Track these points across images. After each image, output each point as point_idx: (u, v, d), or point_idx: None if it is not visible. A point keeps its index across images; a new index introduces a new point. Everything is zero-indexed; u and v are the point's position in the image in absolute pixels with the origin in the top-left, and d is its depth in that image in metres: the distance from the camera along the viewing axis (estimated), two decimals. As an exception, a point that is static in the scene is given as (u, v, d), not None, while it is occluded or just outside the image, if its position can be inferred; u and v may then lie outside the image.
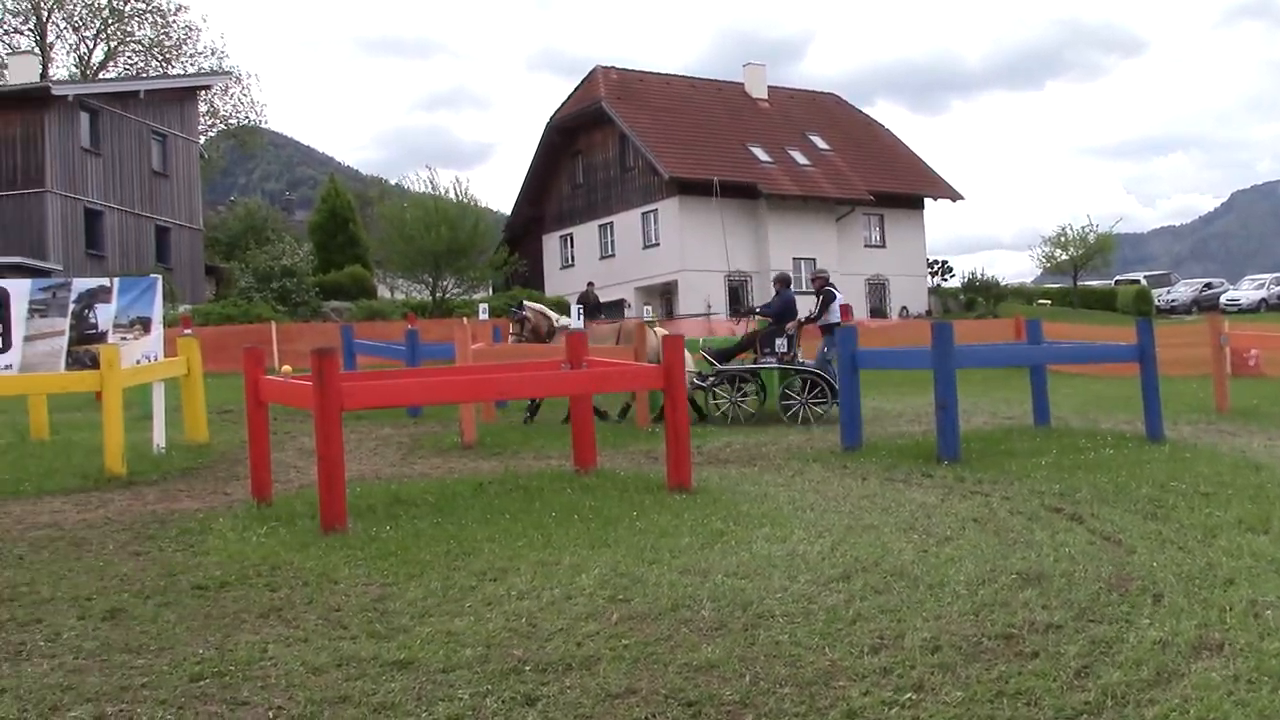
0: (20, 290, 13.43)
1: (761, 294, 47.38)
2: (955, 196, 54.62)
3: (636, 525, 8.20)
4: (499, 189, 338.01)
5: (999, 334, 28.48)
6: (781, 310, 16.85)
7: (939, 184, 55.16)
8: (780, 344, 16.64)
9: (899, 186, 53.11)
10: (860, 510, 8.82)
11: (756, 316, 17.37)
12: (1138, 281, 63.25)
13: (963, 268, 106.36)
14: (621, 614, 5.98)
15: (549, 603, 6.23)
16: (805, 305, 18.03)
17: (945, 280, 57.89)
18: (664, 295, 49.52)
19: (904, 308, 51.47)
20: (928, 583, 6.43)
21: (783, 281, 17.31)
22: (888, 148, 56.29)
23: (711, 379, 16.64)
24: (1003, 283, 56.30)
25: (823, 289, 17.35)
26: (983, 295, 53.33)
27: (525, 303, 18.17)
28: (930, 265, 56.92)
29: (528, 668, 5.22)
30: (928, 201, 54.70)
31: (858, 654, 5.29)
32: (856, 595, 6.22)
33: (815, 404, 16.15)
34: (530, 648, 5.49)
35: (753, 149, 50.56)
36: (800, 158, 51.42)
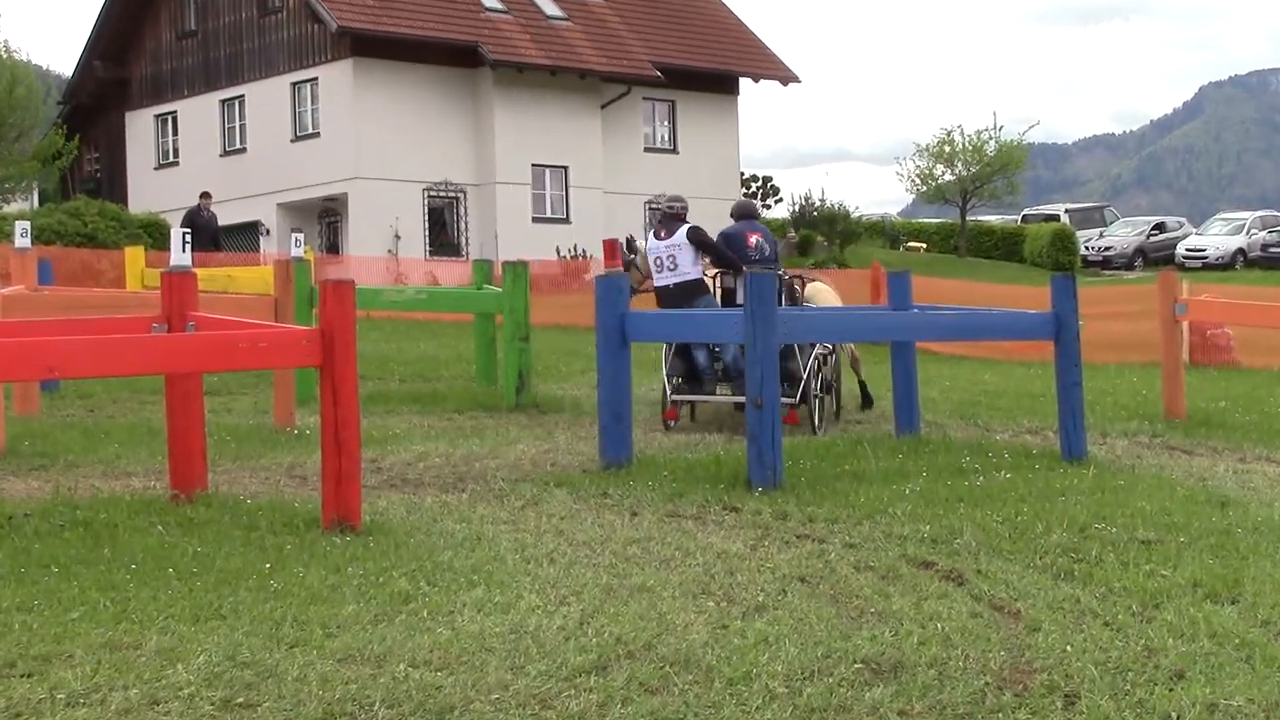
0: None
1: (482, 219, 47.32)
2: (787, 78, 55.91)
3: (270, 585, 8.15)
4: (54, 34, 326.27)
5: (846, 291, 29.20)
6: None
7: (764, 57, 56.36)
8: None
9: (702, 59, 54.01)
10: (627, 563, 8.96)
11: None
12: (1056, 218, 65.72)
13: (794, 188, 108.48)
14: (241, 728, 5.91)
15: (122, 711, 6.11)
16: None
17: (768, 206, 59.23)
18: (325, 218, 48.99)
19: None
20: (728, 676, 6.55)
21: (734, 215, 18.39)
22: (687, -2, 57.10)
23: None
24: (855, 214, 57.86)
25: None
26: (824, 231, 54.76)
27: (637, 241, 18.75)
28: (746, 183, 58.16)
29: (82, 817, 5.10)
30: (745, 85, 55.83)
31: (617, 789, 5.36)
32: (617, 695, 6.30)
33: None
34: (87, 784, 5.36)
35: (474, -13, 50.53)
36: (550, 7, 51.70)
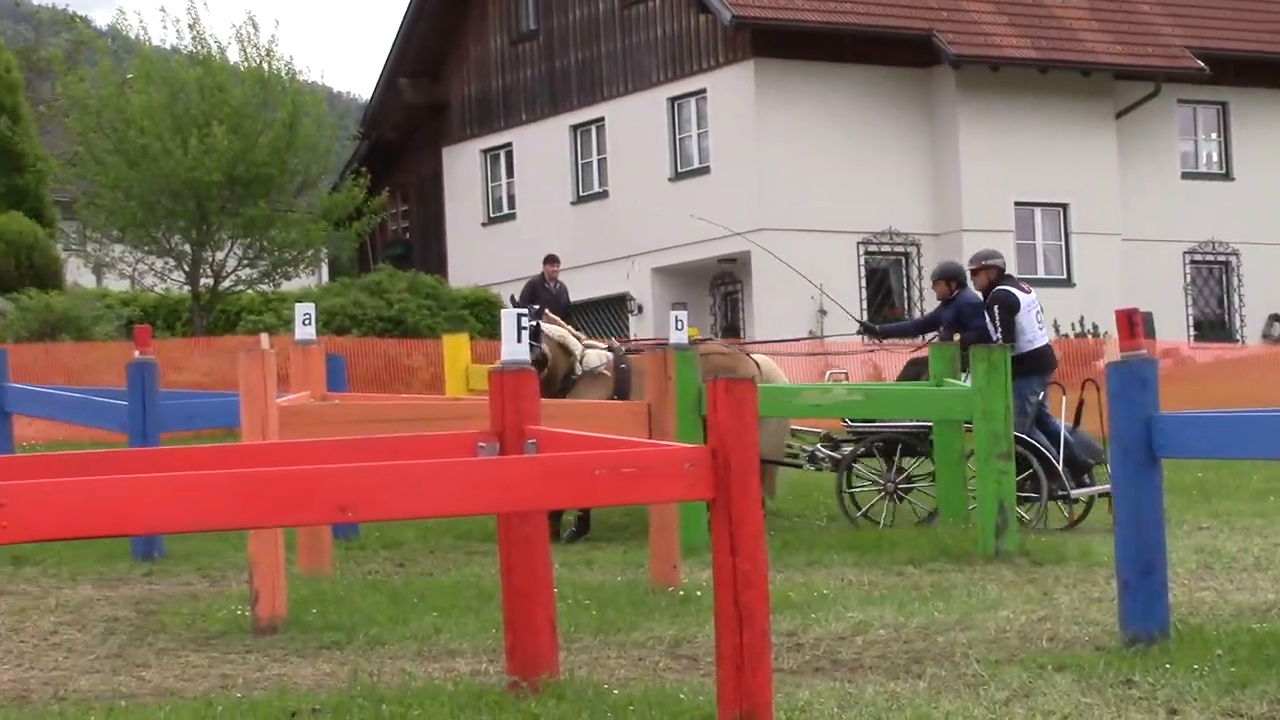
0: None
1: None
2: None
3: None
4: (348, 48, 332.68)
5: None
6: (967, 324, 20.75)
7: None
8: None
9: (1270, 39, 52.99)
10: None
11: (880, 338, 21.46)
12: None
13: None
14: None
15: None
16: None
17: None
18: (720, 287, 49.41)
19: (1276, 316, 51.49)
20: None
21: (953, 278, 21.48)
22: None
23: (847, 446, 19.91)
24: None
25: (993, 290, 20.84)
26: None
27: (542, 323, 20.17)
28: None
29: None
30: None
31: None
32: None
33: (1021, 498, 18.79)
34: None
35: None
36: (1037, -17, 51.45)
